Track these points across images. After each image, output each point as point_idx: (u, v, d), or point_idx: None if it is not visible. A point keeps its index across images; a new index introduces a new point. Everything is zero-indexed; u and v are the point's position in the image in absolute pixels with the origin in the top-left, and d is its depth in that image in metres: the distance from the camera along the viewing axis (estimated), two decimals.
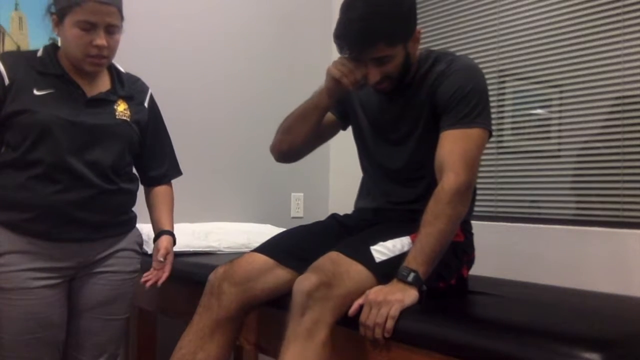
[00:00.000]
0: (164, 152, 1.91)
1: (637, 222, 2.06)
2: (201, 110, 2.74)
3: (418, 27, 1.57)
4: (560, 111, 2.33)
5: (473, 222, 1.71)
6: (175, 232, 1.90)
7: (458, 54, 1.67)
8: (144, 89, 1.84)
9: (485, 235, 1.87)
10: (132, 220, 1.83)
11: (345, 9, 1.52)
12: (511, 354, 1.14)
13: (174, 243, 1.88)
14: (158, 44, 2.60)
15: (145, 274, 1.81)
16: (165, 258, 1.82)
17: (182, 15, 2.69)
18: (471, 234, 1.69)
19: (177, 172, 1.97)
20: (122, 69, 1.80)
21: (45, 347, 1.62)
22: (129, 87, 1.78)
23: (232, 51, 2.84)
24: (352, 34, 1.49)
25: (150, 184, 1.90)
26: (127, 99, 1.75)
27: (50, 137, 1.59)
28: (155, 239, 1.86)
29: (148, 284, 1.79)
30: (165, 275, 1.81)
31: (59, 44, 1.71)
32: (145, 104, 1.82)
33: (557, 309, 1.47)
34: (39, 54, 1.68)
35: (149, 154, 1.86)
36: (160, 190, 1.91)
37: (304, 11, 3.04)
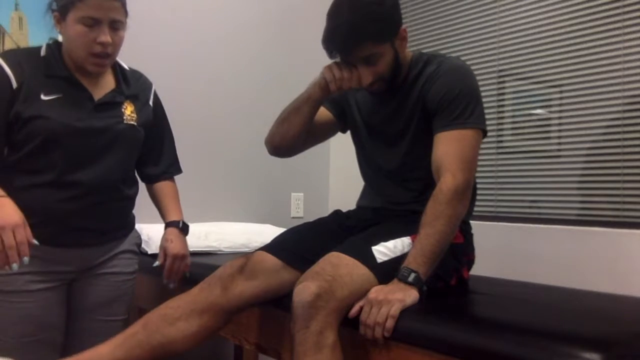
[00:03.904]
0: (165, 149, 1.89)
1: (637, 222, 2.07)
2: (201, 110, 2.74)
3: (412, 28, 1.59)
4: (560, 111, 2.33)
5: (473, 223, 1.71)
6: None
7: (457, 54, 1.68)
8: (148, 85, 1.81)
9: (485, 235, 1.88)
10: (131, 222, 1.82)
11: (330, 16, 1.55)
12: (511, 354, 1.14)
13: (184, 231, 1.84)
14: (157, 43, 2.61)
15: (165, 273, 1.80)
16: (168, 258, 1.79)
17: (183, 15, 2.69)
18: (470, 235, 1.69)
19: (177, 170, 1.94)
20: (125, 66, 1.77)
21: (45, 349, 1.61)
22: (134, 85, 1.75)
23: (232, 51, 2.85)
24: (339, 37, 1.52)
25: (150, 181, 1.88)
26: (133, 99, 1.72)
27: (57, 145, 1.57)
28: (164, 230, 1.84)
29: (170, 280, 1.81)
30: (176, 275, 1.80)
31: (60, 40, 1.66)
32: (150, 102, 1.80)
33: (557, 309, 1.47)
34: (43, 52, 1.63)
35: (150, 151, 1.83)
36: (162, 183, 1.88)
37: (304, 10, 3.04)
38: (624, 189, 2.12)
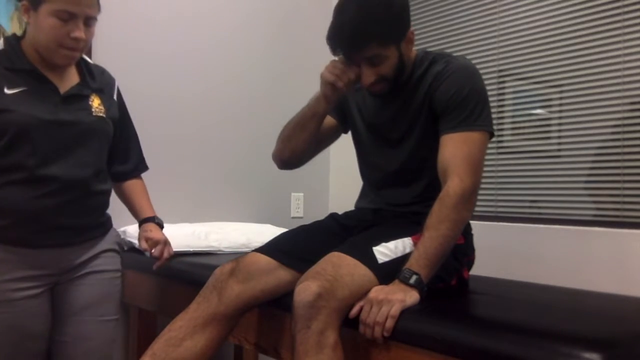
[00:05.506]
0: (132, 146, 1.86)
1: (637, 222, 2.06)
2: (201, 110, 2.73)
3: (412, 28, 1.58)
4: (560, 111, 2.33)
5: (473, 223, 1.70)
6: (175, 232, 1.88)
7: (457, 54, 1.67)
8: (111, 81, 1.78)
9: (485, 235, 1.88)
10: (109, 220, 1.78)
11: (337, 12, 1.53)
12: (511, 354, 1.14)
13: (161, 227, 1.87)
14: (158, 45, 2.60)
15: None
16: (156, 248, 1.81)
17: (182, 17, 2.69)
18: (471, 235, 1.69)
19: (145, 167, 1.92)
20: (89, 59, 1.73)
21: (29, 358, 1.57)
22: (98, 79, 1.71)
23: (232, 52, 2.84)
24: (344, 35, 1.50)
25: (120, 179, 1.85)
26: (99, 93, 1.69)
27: (27, 139, 1.52)
28: (140, 227, 1.86)
29: (155, 265, 1.84)
30: (165, 257, 1.84)
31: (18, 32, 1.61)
32: (115, 97, 1.76)
33: (557, 309, 1.47)
34: (1, 46, 1.58)
35: (116, 149, 1.79)
36: (132, 182, 1.87)
37: (303, 12, 3.04)
38: (624, 188, 2.11)
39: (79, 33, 1.51)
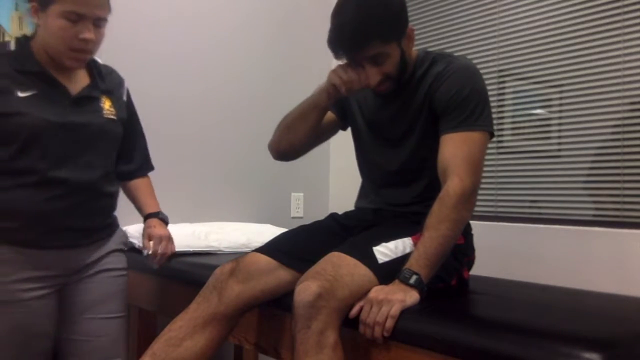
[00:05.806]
0: (137, 146, 1.86)
1: (637, 222, 2.07)
2: (201, 110, 2.74)
3: (412, 25, 1.59)
4: (560, 111, 2.33)
5: (473, 223, 1.70)
6: (175, 232, 1.88)
7: (458, 54, 1.67)
8: (120, 81, 1.78)
9: (485, 235, 1.88)
10: (115, 221, 1.79)
11: (336, 14, 1.53)
12: (511, 354, 1.14)
13: (165, 222, 1.88)
14: (157, 46, 2.60)
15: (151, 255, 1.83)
16: (158, 248, 1.81)
17: (182, 17, 2.69)
18: (471, 236, 1.69)
19: (151, 167, 1.93)
20: (99, 60, 1.73)
21: (35, 357, 1.58)
22: (108, 80, 1.71)
23: (231, 51, 2.85)
24: (345, 36, 1.50)
25: (124, 178, 1.85)
26: (109, 94, 1.69)
27: (39, 143, 1.52)
28: (144, 222, 1.86)
29: (155, 261, 1.82)
30: (163, 255, 1.83)
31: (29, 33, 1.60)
32: (124, 98, 1.76)
33: (557, 309, 1.47)
34: (12, 47, 1.58)
35: (123, 148, 1.78)
36: (137, 180, 1.88)
37: (303, 12, 3.04)
38: (624, 188, 2.12)
39: (88, 34, 1.51)
